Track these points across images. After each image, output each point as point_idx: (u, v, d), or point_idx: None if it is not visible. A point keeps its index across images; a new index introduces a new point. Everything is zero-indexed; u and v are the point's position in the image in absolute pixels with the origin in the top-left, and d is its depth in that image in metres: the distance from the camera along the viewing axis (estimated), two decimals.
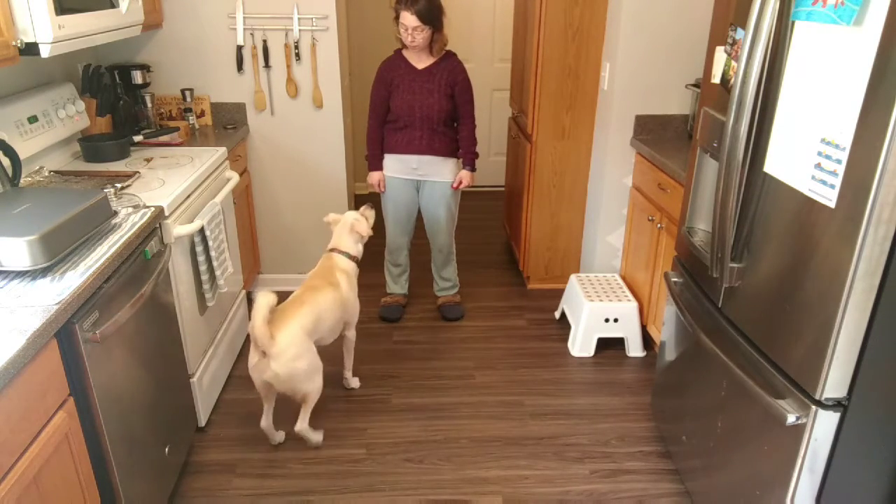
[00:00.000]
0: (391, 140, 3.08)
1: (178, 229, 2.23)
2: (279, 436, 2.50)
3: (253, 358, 2.27)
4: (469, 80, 3.01)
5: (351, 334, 2.74)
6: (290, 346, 2.25)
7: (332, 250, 2.69)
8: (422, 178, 3.12)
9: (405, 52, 2.99)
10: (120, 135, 2.78)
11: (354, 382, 2.84)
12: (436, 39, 2.89)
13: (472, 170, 3.11)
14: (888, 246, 1.38)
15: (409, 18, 2.78)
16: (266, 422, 2.45)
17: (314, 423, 2.52)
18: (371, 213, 2.80)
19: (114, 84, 3.05)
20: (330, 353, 3.04)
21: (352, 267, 2.68)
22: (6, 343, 1.34)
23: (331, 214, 2.79)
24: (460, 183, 3.11)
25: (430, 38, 2.87)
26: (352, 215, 2.72)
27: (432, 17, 2.80)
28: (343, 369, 2.82)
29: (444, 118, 2.99)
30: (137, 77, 3.08)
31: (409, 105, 2.97)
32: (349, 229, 2.69)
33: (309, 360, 2.32)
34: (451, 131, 3.07)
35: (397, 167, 3.12)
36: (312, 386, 2.37)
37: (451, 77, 2.96)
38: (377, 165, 3.14)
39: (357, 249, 2.72)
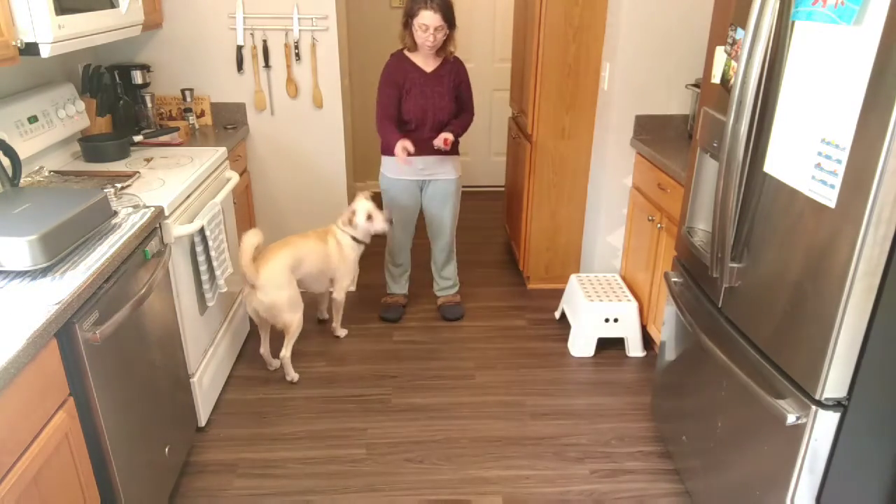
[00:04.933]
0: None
1: (178, 229, 2.23)
2: (276, 363, 2.89)
3: (245, 290, 2.70)
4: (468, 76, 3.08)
5: (337, 295, 3.05)
6: (272, 279, 2.63)
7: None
8: (427, 177, 3.13)
9: (410, 55, 2.95)
10: (120, 135, 2.78)
11: (341, 332, 3.19)
12: (451, 38, 2.88)
13: (453, 135, 2.94)
14: (888, 246, 1.38)
15: (432, 18, 2.71)
16: (264, 348, 2.89)
17: (317, 423, 2.56)
18: (378, 217, 2.94)
19: (114, 84, 3.05)
20: (329, 354, 3.06)
21: (344, 237, 2.96)
22: (6, 343, 1.34)
23: (361, 195, 3.01)
24: (445, 141, 2.91)
25: (445, 38, 2.86)
26: (360, 206, 2.95)
27: (452, 15, 2.79)
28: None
29: (450, 119, 3.02)
30: (137, 77, 3.08)
31: (423, 108, 2.95)
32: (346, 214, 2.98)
33: (289, 293, 2.69)
34: None
35: (403, 168, 3.10)
36: (293, 317, 2.74)
37: (456, 78, 2.99)
38: (398, 137, 2.84)
39: (348, 230, 2.96)
